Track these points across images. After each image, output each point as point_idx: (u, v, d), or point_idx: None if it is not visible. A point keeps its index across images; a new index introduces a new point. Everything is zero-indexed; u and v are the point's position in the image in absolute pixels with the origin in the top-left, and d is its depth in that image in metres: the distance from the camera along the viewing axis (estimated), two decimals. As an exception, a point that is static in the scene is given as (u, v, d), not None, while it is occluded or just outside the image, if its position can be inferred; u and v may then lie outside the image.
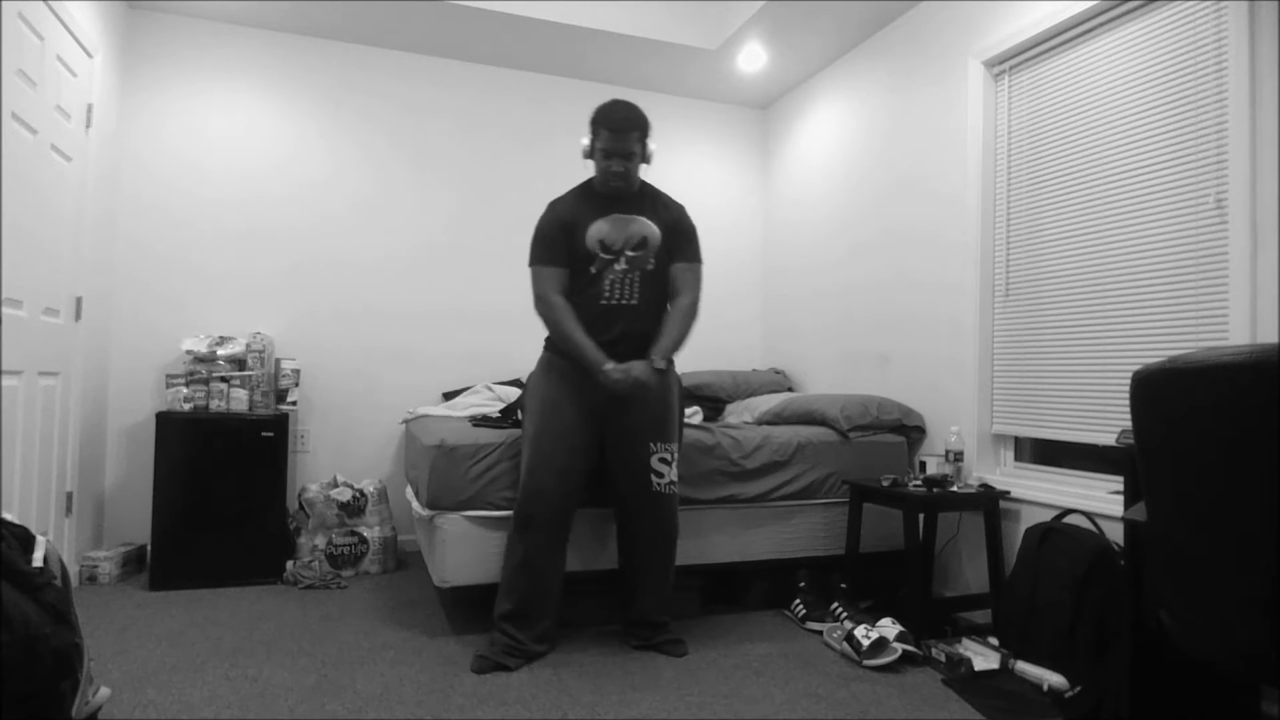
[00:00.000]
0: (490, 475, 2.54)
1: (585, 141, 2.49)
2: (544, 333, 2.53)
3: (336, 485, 3.44)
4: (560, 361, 2.46)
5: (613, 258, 2.44)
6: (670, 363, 2.50)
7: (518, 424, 2.75)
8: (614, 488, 2.50)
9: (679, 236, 2.53)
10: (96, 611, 2.75)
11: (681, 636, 2.52)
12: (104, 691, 1.73)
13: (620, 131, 2.40)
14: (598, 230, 2.45)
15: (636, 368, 2.36)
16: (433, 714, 1.98)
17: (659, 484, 2.45)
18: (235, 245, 3.66)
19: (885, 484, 2.77)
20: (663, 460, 2.45)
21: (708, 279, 4.48)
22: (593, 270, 2.44)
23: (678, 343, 2.47)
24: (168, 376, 3.26)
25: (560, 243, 2.46)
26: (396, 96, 3.93)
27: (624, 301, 2.45)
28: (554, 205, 2.52)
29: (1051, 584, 2.28)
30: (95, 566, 3.12)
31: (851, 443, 3.06)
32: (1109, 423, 2.47)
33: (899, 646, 2.36)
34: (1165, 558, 1.28)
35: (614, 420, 2.45)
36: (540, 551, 2.38)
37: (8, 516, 1.58)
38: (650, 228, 2.49)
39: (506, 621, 2.38)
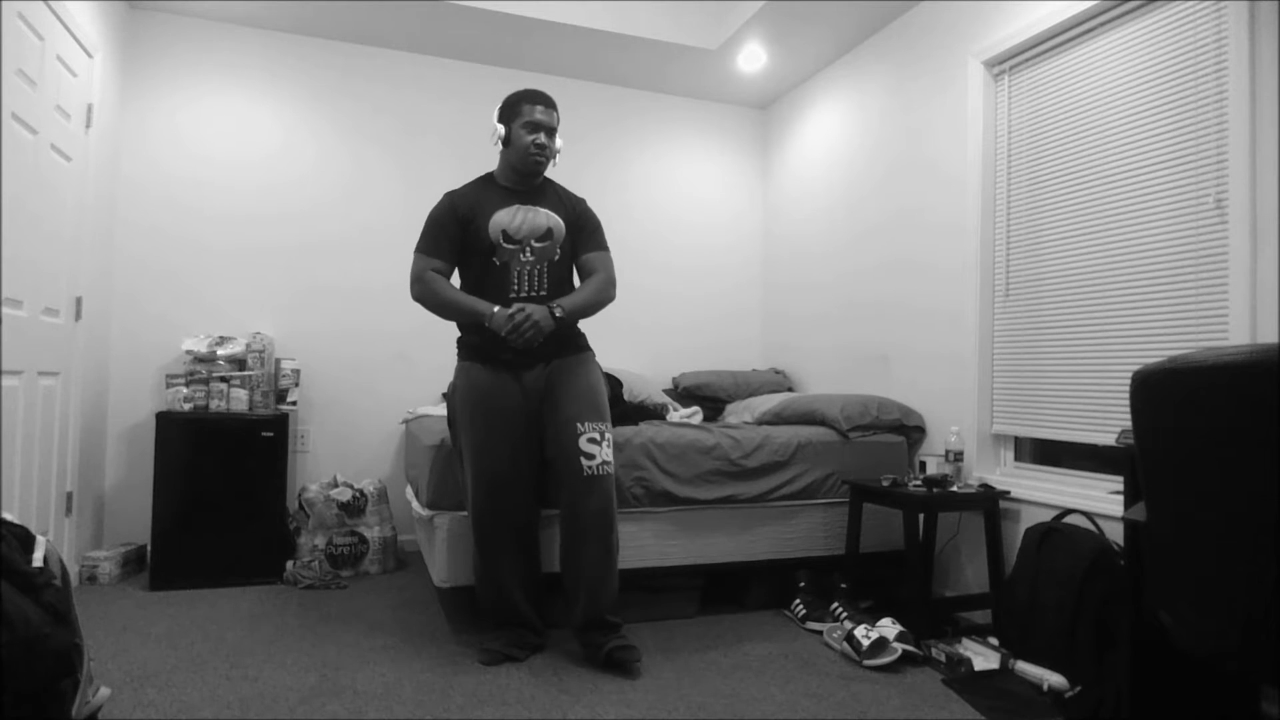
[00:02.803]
0: (490, 475, 2.54)
1: (500, 127, 2.44)
2: None
3: (336, 485, 3.44)
4: (478, 366, 2.38)
5: (517, 248, 2.38)
6: (587, 346, 2.47)
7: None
8: (552, 483, 2.40)
9: (585, 229, 2.50)
10: (96, 611, 2.75)
11: (634, 643, 2.30)
12: (104, 691, 1.73)
13: (548, 106, 2.41)
14: (500, 220, 2.39)
15: (530, 306, 2.28)
16: (433, 714, 1.98)
17: (590, 466, 2.29)
18: (236, 245, 3.65)
19: (885, 484, 2.77)
20: (592, 440, 2.31)
21: (708, 278, 4.48)
22: (497, 262, 2.38)
23: (584, 304, 2.40)
24: (168, 376, 3.26)
25: (448, 233, 2.42)
26: (398, 97, 3.93)
27: (533, 293, 2.38)
28: (450, 194, 2.48)
29: (1051, 584, 2.28)
30: (95, 566, 3.12)
31: (851, 443, 3.06)
32: (1109, 423, 2.47)
33: (899, 646, 2.36)
34: (1165, 557, 1.28)
35: (541, 407, 2.38)
36: (506, 564, 2.35)
37: (8, 516, 1.58)
38: (554, 219, 2.44)
39: (498, 628, 2.40)
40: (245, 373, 3.32)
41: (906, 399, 3.32)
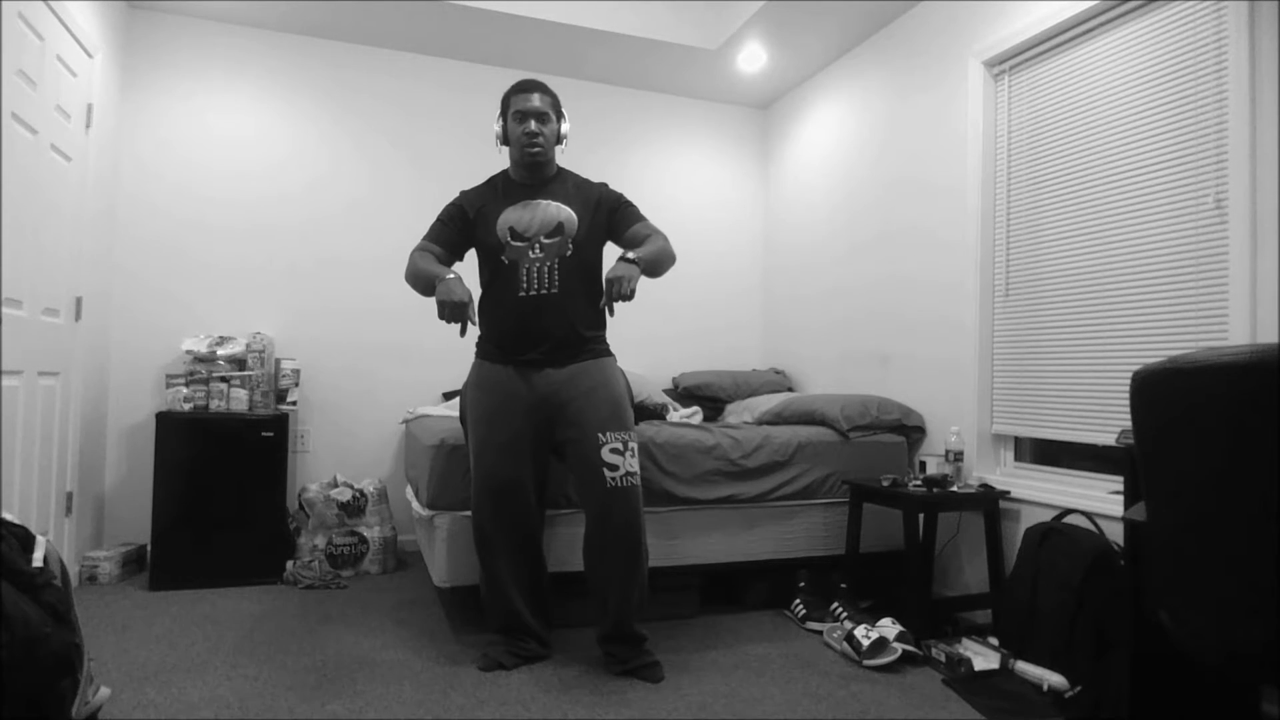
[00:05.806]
0: (490, 475, 2.53)
1: (497, 127, 2.39)
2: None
3: (336, 485, 3.44)
4: (490, 366, 2.33)
5: (525, 245, 2.30)
6: (608, 351, 2.38)
7: None
8: (575, 491, 2.35)
9: (616, 210, 2.38)
10: (96, 611, 2.75)
11: (658, 658, 2.30)
12: (104, 691, 1.73)
13: (534, 91, 2.32)
14: (508, 218, 2.32)
15: (621, 267, 2.11)
16: (433, 714, 1.98)
17: (613, 478, 2.21)
18: (235, 245, 3.65)
19: (885, 484, 2.77)
20: (615, 451, 2.22)
21: (707, 279, 4.48)
22: (505, 260, 2.31)
23: (655, 254, 2.23)
24: (168, 376, 3.26)
25: (449, 226, 2.38)
26: (395, 96, 3.93)
27: (543, 291, 2.29)
28: (463, 193, 2.43)
29: (1051, 584, 2.28)
30: (95, 566, 3.12)
31: (851, 443, 3.06)
32: (1109, 423, 2.47)
33: (899, 646, 2.36)
34: (1165, 558, 1.28)
35: (558, 417, 2.28)
36: (507, 568, 2.31)
37: (8, 516, 1.58)
38: (566, 212, 2.33)
39: (499, 634, 2.38)
40: (245, 373, 3.31)
41: (906, 399, 3.32)
